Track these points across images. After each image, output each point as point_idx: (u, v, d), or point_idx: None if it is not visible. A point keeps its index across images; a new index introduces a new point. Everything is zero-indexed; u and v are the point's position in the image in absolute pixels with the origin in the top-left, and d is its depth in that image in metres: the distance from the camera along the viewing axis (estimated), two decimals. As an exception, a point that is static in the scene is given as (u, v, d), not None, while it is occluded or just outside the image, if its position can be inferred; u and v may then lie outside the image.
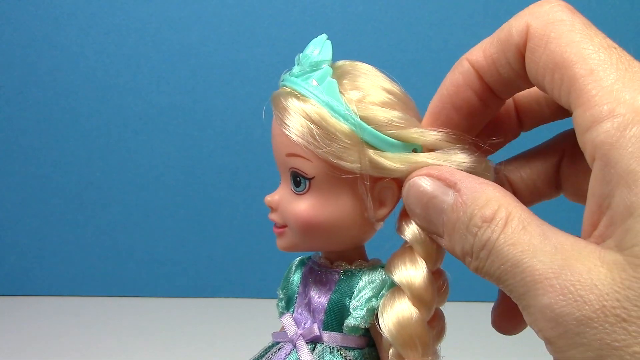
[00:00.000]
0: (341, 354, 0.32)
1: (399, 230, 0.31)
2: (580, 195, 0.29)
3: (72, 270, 1.01)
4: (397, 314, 0.30)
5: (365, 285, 0.32)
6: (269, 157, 0.33)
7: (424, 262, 0.30)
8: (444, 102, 0.29)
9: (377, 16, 0.96)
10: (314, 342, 0.33)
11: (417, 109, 0.32)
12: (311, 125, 0.29)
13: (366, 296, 0.32)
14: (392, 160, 0.29)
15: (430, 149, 0.30)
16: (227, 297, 1.01)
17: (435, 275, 0.31)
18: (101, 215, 1.00)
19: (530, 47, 0.25)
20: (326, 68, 0.30)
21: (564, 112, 0.30)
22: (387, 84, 0.31)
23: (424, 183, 0.27)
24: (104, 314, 0.93)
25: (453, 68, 0.29)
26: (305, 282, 0.34)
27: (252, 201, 0.98)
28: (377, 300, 0.31)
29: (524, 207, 0.24)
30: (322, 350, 0.32)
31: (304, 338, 0.33)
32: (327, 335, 0.32)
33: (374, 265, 0.33)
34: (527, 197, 0.31)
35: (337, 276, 0.33)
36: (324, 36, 0.32)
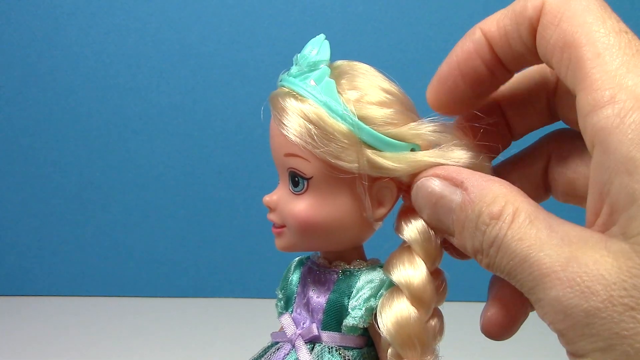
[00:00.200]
0: (340, 354, 0.32)
1: (398, 230, 0.31)
2: (571, 196, 0.29)
3: (72, 270, 1.01)
4: (395, 313, 0.30)
5: (363, 285, 0.32)
6: (268, 157, 0.33)
7: (423, 262, 0.30)
8: (452, 68, 0.29)
9: (377, 16, 0.96)
10: (312, 342, 0.33)
11: (416, 109, 0.32)
12: (309, 125, 0.29)
13: (365, 296, 0.32)
14: (390, 160, 0.29)
15: (428, 147, 0.30)
16: (227, 297, 1.01)
17: (434, 275, 0.31)
18: (101, 215, 1.00)
19: (543, 23, 0.25)
20: (324, 68, 0.30)
21: (552, 117, 0.30)
22: (386, 83, 0.31)
23: (431, 184, 0.28)
24: (104, 314, 0.93)
25: (465, 35, 0.29)
26: (304, 282, 0.34)
27: (251, 201, 0.98)
28: (375, 300, 0.31)
29: (531, 201, 0.25)
30: (321, 350, 0.32)
31: (302, 338, 0.33)
32: (325, 335, 0.32)
33: (373, 265, 0.33)
34: None
35: (335, 276, 0.33)
36: (322, 36, 0.32)
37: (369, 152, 0.29)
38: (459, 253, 0.30)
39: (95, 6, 0.96)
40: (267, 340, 0.36)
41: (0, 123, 0.99)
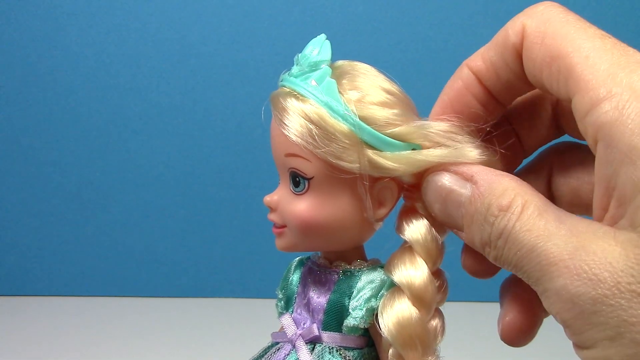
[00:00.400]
0: (340, 354, 0.32)
1: (399, 230, 0.31)
2: (576, 205, 0.29)
3: (72, 270, 1.01)
4: (396, 314, 0.30)
5: (364, 285, 0.32)
6: (269, 157, 0.33)
7: (424, 262, 0.30)
8: (445, 107, 0.30)
9: (377, 16, 0.96)
10: (313, 342, 0.33)
11: (417, 109, 0.32)
12: (310, 126, 0.29)
13: (365, 296, 0.32)
14: (391, 160, 0.29)
15: (429, 147, 0.30)
16: (227, 297, 1.00)
17: (435, 275, 0.31)
18: (101, 215, 1.00)
19: (526, 45, 0.26)
20: (325, 68, 0.30)
21: (560, 131, 0.30)
22: (387, 84, 0.31)
23: (441, 178, 0.28)
24: (104, 314, 0.93)
25: (453, 74, 0.30)
26: (304, 282, 0.34)
27: (252, 201, 0.98)
28: (376, 300, 0.31)
29: (540, 195, 0.25)
30: (322, 351, 0.32)
31: (303, 338, 0.33)
32: (326, 336, 0.32)
33: (374, 266, 0.33)
34: None
35: (336, 276, 0.33)
36: (322, 36, 0.32)
37: (370, 153, 0.29)
38: (480, 271, 0.30)
39: (95, 6, 0.96)
40: (267, 341, 0.36)
41: (0, 123, 0.99)
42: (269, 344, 0.35)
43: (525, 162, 0.33)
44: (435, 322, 0.31)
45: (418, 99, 0.33)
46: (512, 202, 0.24)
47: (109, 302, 0.98)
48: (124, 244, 1.01)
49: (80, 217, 1.00)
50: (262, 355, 0.35)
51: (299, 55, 0.32)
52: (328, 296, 0.33)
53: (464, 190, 0.26)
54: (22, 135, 0.99)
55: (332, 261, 0.34)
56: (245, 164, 0.98)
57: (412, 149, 0.30)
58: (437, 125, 0.30)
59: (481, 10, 0.95)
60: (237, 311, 0.94)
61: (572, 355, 0.23)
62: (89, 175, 1.00)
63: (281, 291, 0.36)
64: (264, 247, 0.97)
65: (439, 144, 0.29)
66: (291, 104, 0.30)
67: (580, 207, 0.29)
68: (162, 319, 0.91)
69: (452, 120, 0.29)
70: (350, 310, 0.32)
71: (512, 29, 0.26)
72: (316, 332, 0.32)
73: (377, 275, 0.32)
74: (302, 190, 0.31)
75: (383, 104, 0.30)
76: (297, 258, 0.36)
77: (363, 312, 0.31)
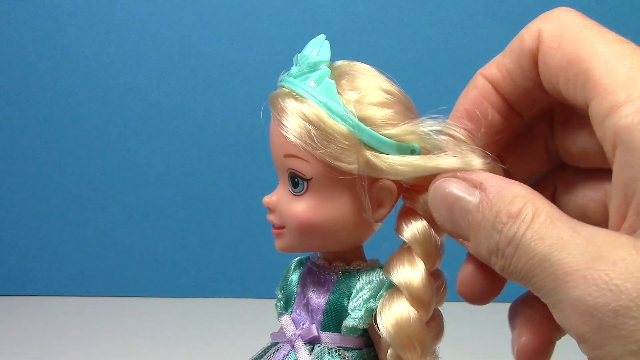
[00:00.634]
0: (340, 355, 0.32)
1: (398, 230, 0.31)
2: (583, 219, 0.28)
3: (72, 270, 1.01)
4: (395, 314, 0.30)
5: (363, 285, 0.32)
6: (268, 158, 0.33)
7: (423, 263, 0.30)
8: (461, 117, 0.29)
9: (377, 16, 0.96)
10: (312, 342, 0.33)
11: (417, 109, 0.32)
12: (309, 126, 0.29)
13: (364, 297, 0.32)
14: (390, 162, 0.29)
15: (428, 150, 0.30)
16: (227, 297, 1.00)
17: (434, 275, 0.31)
18: (101, 215, 1.00)
19: (542, 49, 0.25)
20: (324, 68, 0.30)
21: (551, 161, 0.30)
22: (386, 84, 0.31)
23: (449, 185, 0.27)
24: (104, 314, 0.93)
25: (468, 85, 0.29)
26: (303, 283, 0.34)
27: (251, 201, 0.98)
28: (375, 300, 0.31)
29: (552, 204, 0.23)
30: (321, 351, 0.32)
31: (302, 339, 0.33)
32: (325, 336, 0.32)
33: (373, 266, 0.33)
34: None
35: (335, 277, 0.33)
36: (322, 36, 0.32)
37: (369, 154, 0.29)
38: (477, 295, 0.28)
39: (95, 6, 0.96)
40: (266, 341, 0.36)
41: (0, 123, 0.99)
42: (269, 344, 0.35)
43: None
44: (434, 323, 0.31)
45: (418, 99, 0.33)
46: (522, 210, 0.23)
47: (109, 302, 0.98)
48: (124, 244, 1.01)
49: (80, 217, 1.00)
50: (262, 356, 0.35)
51: (298, 55, 0.32)
52: (327, 297, 0.33)
53: (472, 197, 0.25)
54: (22, 135, 0.99)
55: (331, 262, 0.34)
56: (245, 164, 0.98)
57: (412, 150, 0.30)
58: (433, 126, 0.29)
59: (481, 10, 0.94)
60: (237, 311, 0.94)
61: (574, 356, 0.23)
62: (89, 175, 1.00)
63: (280, 291, 0.36)
64: (263, 247, 0.97)
65: (439, 148, 0.29)
66: (290, 104, 0.30)
67: (586, 220, 0.28)
68: (162, 319, 0.91)
69: (467, 129, 0.28)
70: (349, 311, 0.32)
71: (527, 34, 0.26)
72: (315, 333, 0.32)
73: (376, 276, 0.32)
74: (301, 191, 0.31)
75: (382, 105, 0.30)
76: (297, 258, 0.36)
77: (362, 312, 0.31)
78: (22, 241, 1.01)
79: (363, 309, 0.31)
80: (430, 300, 0.30)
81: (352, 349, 0.32)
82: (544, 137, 0.30)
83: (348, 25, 0.96)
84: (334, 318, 0.32)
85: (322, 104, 0.29)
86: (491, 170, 0.28)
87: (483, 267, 0.27)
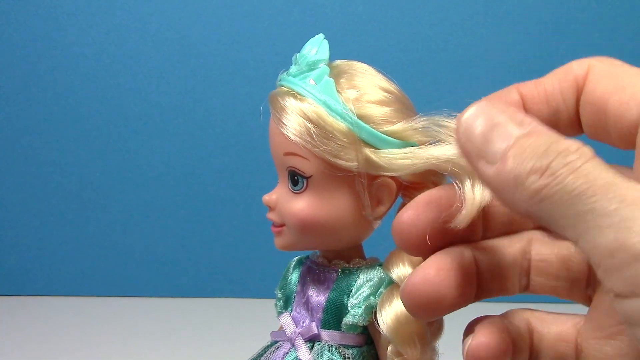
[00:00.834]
0: (340, 352, 0.32)
1: (397, 228, 0.31)
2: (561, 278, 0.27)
3: (72, 270, 1.01)
4: (395, 310, 0.30)
5: (363, 283, 0.32)
6: (268, 157, 0.33)
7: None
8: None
9: (377, 16, 0.96)
10: (312, 340, 0.33)
11: (416, 108, 0.32)
12: (308, 124, 0.29)
13: (364, 294, 0.32)
14: (389, 158, 0.29)
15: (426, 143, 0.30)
16: (227, 297, 1.01)
17: (434, 273, 0.31)
18: (101, 215, 1.00)
19: (592, 78, 0.25)
20: (323, 67, 0.31)
21: (576, 123, 0.28)
22: (384, 82, 0.31)
23: (496, 108, 0.24)
24: (104, 314, 0.93)
25: (498, 92, 0.28)
26: (303, 281, 0.34)
27: (251, 201, 0.98)
28: (375, 298, 0.31)
29: None
30: (321, 349, 0.32)
31: (302, 337, 0.33)
32: (325, 334, 0.32)
33: (372, 264, 0.33)
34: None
35: (335, 275, 0.33)
36: (321, 36, 0.32)
37: (368, 151, 0.30)
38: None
39: (95, 6, 0.96)
40: (266, 340, 0.36)
41: (0, 123, 0.99)
42: (269, 342, 0.35)
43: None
44: (433, 320, 0.31)
45: (417, 98, 0.33)
46: (580, 147, 0.21)
47: (109, 302, 0.99)
48: (124, 244, 1.01)
49: (80, 217, 1.00)
50: (262, 354, 0.35)
51: (297, 54, 0.32)
52: (327, 294, 0.33)
53: (519, 127, 0.23)
54: (22, 135, 0.99)
55: (331, 260, 0.34)
56: (245, 164, 0.98)
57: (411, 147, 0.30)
58: (429, 121, 0.29)
59: (481, 10, 0.95)
60: (237, 311, 0.94)
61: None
62: (89, 175, 1.00)
63: (280, 290, 0.36)
64: (263, 247, 0.97)
65: (437, 139, 0.29)
66: (289, 103, 0.30)
67: (564, 279, 0.27)
68: (162, 319, 0.91)
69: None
70: (349, 308, 0.32)
71: (577, 63, 0.26)
72: (315, 331, 0.32)
73: (375, 273, 0.32)
74: (300, 189, 0.31)
75: (381, 103, 0.30)
76: (296, 257, 0.36)
77: (362, 309, 0.31)
78: (22, 241, 1.01)
79: (363, 306, 0.31)
80: (429, 297, 0.30)
81: (352, 347, 0.32)
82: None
83: (347, 25, 0.96)
84: (334, 316, 0.32)
85: (322, 102, 0.30)
86: None
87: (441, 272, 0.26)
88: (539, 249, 0.28)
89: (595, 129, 0.26)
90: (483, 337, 0.25)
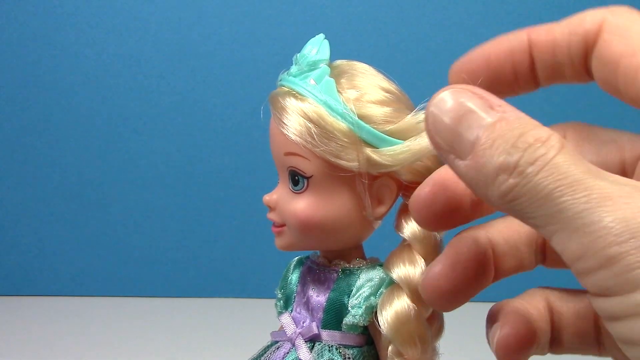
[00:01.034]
0: (340, 352, 0.32)
1: (398, 228, 0.32)
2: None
3: (72, 270, 1.01)
4: (396, 310, 0.30)
5: (363, 283, 0.32)
6: (268, 157, 0.33)
7: (423, 260, 0.31)
8: (479, 57, 0.27)
9: (377, 16, 0.96)
10: (312, 340, 0.33)
11: (415, 108, 0.32)
12: (309, 124, 0.29)
13: (365, 294, 0.32)
14: (389, 156, 0.30)
15: None
16: (227, 297, 1.01)
17: (434, 273, 0.31)
18: (101, 215, 1.00)
19: (604, 36, 0.24)
20: (324, 67, 0.31)
21: (582, 75, 0.27)
22: (385, 82, 0.31)
23: (463, 96, 0.23)
24: (104, 314, 0.93)
25: (506, 34, 0.27)
26: (303, 281, 0.34)
27: (252, 201, 0.98)
28: (375, 298, 0.31)
29: None
30: (321, 349, 0.32)
31: (302, 337, 0.33)
32: (325, 334, 0.32)
33: (372, 264, 0.33)
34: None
35: (335, 275, 0.33)
36: (321, 36, 0.32)
37: (369, 151, 0.30)
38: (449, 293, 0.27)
39: (95, 6, 0.96)
40: (267, 340, 0.36)
41: (0, 123, 0.99)
42: (269, 343, 0.35)
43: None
44: (434, 320, 0.31)
45: (417, 98, 0.33)
46: (550, 138, 0.21)
47: (109, 302, 0.99)
48: (124, 244, 1.01)
49: (80, 217, 1.01)
50: (262, 354, 0.35)
51: (298, 54, 0.32)
52: (327, 294, 0.33)
53: (487, 114, 0.22)
54: (22, 135, 0.99)
55: (331, 260, 0.34)
56: (245, 164, 0.98)
57: None
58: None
59: (481, 10, 0.95)
60: (237, 311, 0.94)
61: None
62: (89, 175, 1.00)
63: (280, 291, 0.36)
64: (263, 247, 0.97)
65: None
66: (290, 103, 0.30)
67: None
68: (162, 319, 0.91)
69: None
70: (349, 308, 0.32)
71: (590, 16, 0.25)
72: (315, 331, 0.32)
73: (376, 273, 0.32)
74: (301, 188, 0.31)
75: (381, 103, 0.30)
76: (296, 258, 0.36)
77: (362, 309, 0.31)
78: (22, 241, 1.01)
79: (363, 306, 0.31)
80: (430, 297, 0.30)
81: (352, 347, 0.32)
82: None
83: (348, 25, 0.96)
84: (334, 316, 0.32)
85: (322, 102, 0.30)
86: None
87: (457, 266, 0.26)
88: None
89: (606, 86, 0.25)
90: (509, 328, 0.25)
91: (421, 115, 0.30)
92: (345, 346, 0.32)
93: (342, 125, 0.29)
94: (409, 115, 0.30)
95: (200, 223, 1.00)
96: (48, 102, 0.98)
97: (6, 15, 0.96)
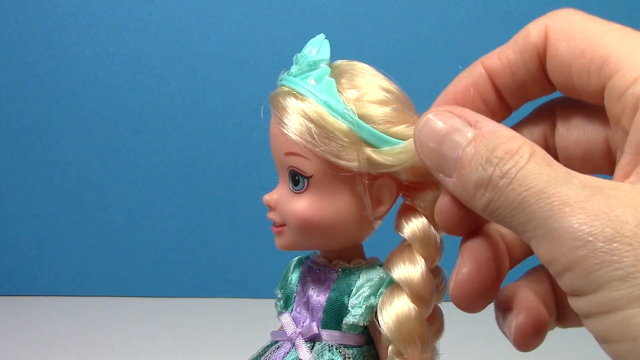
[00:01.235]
0: (340, 352, 0.32)
1: (398, 227, 0.32)
2: (576, 159, 0.28)
3: (72, 270, 1.01)
4: (396, 310, 0.30)
5: (363, 283, 0.32)
6: (268, 157, 0.33)
7: (423, 260, 0.31)
8: (448, 101, 0.29)
9: (377, 16, 0.96)
10: (312, 340, 0.33)
11: (416, 108, 0.32)
12: (309, 124, 0.29)
13: (365, 294, 0.32)
14: (389, 156, 0.30)
15: None
16: (227, 297, 1.01)
17: (434, 272, 0.31)
18: (101, 215, 1.01)
19: (551, 43, 0.25)
20: (324, 67, 0.31)
21: (546, 86, 0.29)
22: (385, 82, 0.31)
23: (443, 117, 0.25)
24: (104, 314, 0.93)
25: (465, 70, 0.29)
26: (303, 281, 0.34)
27: (252, 201, 0.99)
28: (375, 298, 0.31)
29: (546, 152, 0.23)
30: (321, 349, 0.32)
31: (302, 336, 0.33)
32: (325, 334, 0.32)
33: (372, 264, 0.33)
34: None
35: (335, 275, 0.33)
36: (321, 36, 0.32)
37: (369, 151, 0.30)
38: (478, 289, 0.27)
39: (95, 6, 0.96)
40: (267, 340, 0.36)
41: (0, 123, 0.99)
42: (269, 342, 0.35)
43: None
44: (434, 320, 0.31)
45: (417, 98, 0.33)
46: (520, 148, 0.22)
47: (109, 302, 0.99)
48: (124, 244, 1.01)
49: (80, 217, 1.01)
50: (262, 354, 0.35)
51: (298, 54, 0.32)
52: (327, 294, 0.33)
53: (466, 132, 0.24)
54: (22, 135, 0.99)
55: (331, 260, 0.34)
56: (245, 164, 0.99)
57: None
58: None
59: (481, 10, 0.95)
60: (237, 311, 0.94)
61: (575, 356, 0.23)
62: (89, 175, 1.00)
63: (280, 290, 0.36)
64: (264, 247, 0.97)
65: None
66: (290, 103, 0.30)
67: (581, 162, 0.28)
68: (162, 319, 0.91)
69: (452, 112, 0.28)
70: (349, 308, 0.32)
71: (534, 29, 0.26)
72: (315, 330, 0.32)
73: (376, 273, 0.32)
74: (301, 188, 0.31)
75: (382, 103, 0.30)
76: (296, 258, 0.36)
77: (362, 309, 0.31)
78: (22, 241, 1.01)
79: (363, 306, 0.31)
80: (430, 297, 0.30)
81: (352, 347, 0.32)
82: (544, 137, 0.29)
83: (348, 25, 0.96)
84: (334, 315, 0.32)
85: (323, 102, 0.30)
86: None
87: (482, 266, 0.27)
88: None
89: (564, 89, 0.26)
90: (525, 317, 0.26)
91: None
92: (345, 346, 0.32)
93: (342, 125, 0.29)
94: (411, 119, 0.30)
95: (200, 223, 1.00)
96: (48, 102, 0.98)
97: (6, 15, 0.97)
